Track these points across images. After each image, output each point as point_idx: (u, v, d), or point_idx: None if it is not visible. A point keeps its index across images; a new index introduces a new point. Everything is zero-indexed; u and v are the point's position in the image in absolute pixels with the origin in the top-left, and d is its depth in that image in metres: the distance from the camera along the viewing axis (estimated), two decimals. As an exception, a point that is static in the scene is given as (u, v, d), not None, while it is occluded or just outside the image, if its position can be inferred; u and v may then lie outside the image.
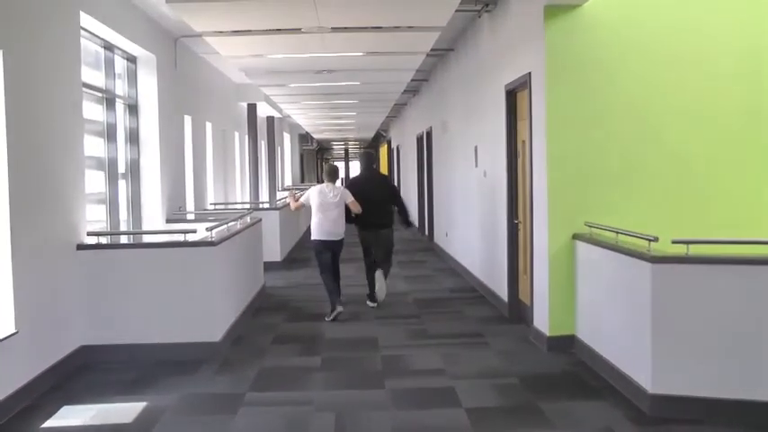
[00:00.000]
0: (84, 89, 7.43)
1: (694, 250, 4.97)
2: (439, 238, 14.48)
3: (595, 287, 6.17)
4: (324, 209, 8.37)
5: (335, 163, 10.25)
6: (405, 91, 16.73)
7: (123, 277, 6.67)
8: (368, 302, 8.98)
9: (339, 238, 8.49)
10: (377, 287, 8.82)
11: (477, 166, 9.88)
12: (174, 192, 10.35)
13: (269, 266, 11.52)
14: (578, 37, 6.49)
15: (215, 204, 12.62)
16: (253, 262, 9.48)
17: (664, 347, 4.95)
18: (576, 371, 6.02)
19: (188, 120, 11.33)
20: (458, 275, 11.30)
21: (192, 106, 11.48)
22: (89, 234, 6.77)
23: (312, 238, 8.51)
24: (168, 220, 9.91)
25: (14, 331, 5.31)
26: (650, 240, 5.14)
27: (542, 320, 6.80)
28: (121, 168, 9.35)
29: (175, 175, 10.45)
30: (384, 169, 32.75)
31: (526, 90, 7.20)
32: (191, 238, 6.84)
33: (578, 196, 6.53)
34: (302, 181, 32.05)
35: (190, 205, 11.37)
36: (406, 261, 13.32)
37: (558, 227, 6.54)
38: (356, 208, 8.53)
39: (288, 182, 27.55)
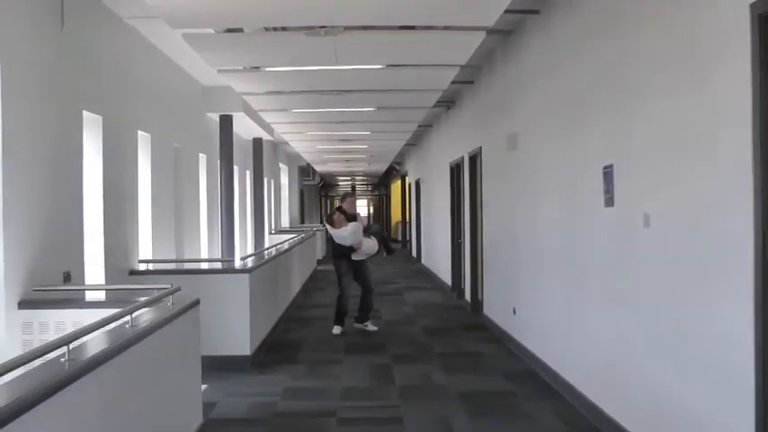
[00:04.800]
0: None
1: None
2: (494, 312, 9.68)
3: None
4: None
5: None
6: (435, 104, 12.08)
7: None
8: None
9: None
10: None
11: (612, 203, 5.18)
12: (52, 244, 5.64)
13: (229, 366, 6.89)
14: None
15: (147, 263, 7.86)
16: (170, 392, 4.70)
17: None
18: None
19: (92, 121, 6.66)
20: (557, 397, 6.41)
21: (99, 98, 6.79)
22: None
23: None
24: (23, 303, 5.18)
25: None
26: None
27: None
28: None
29: (55, 214, 5.74)
30: (396, 212, 28.24)
31: None
32: None
33: None
34: (302, 222, 27.15)
35: (94, 270, 6.62)
36: (451, 353, 8.45)
37: None
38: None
39: (285, 223, 22.77)
